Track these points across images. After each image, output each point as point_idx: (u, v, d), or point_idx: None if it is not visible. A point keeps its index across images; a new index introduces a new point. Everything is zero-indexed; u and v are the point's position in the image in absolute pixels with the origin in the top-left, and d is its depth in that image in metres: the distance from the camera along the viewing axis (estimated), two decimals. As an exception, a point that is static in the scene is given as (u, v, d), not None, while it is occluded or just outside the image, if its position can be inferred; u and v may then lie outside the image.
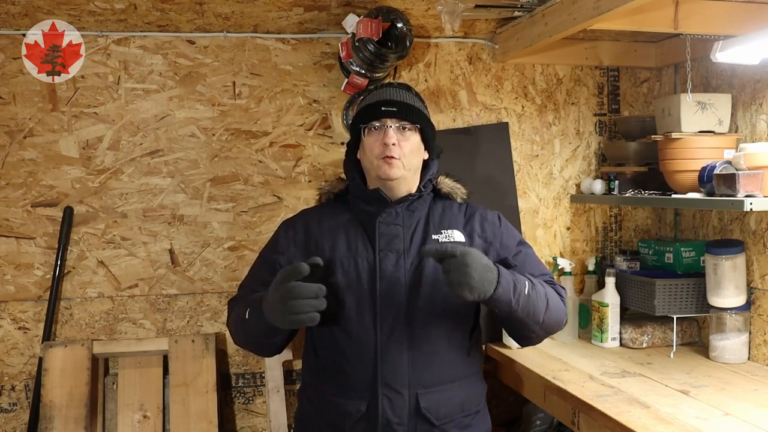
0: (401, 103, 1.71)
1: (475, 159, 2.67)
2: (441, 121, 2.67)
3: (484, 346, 2.60)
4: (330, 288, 1.67)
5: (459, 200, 1.83)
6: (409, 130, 1.71)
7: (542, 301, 1.65)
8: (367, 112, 1.73)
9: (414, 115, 1.71)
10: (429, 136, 1.76)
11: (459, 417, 1.71)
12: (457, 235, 1.74)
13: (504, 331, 2.54)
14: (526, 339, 1.75)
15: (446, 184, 1.84)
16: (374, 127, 1.71)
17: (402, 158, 1.69)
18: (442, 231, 1.74)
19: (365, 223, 1.73)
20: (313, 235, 1.75)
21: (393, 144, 1.68)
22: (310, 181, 2.58)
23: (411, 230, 1.73)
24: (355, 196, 1.79)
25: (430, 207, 1.79)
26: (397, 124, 1.70)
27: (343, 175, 1.89)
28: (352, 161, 1.81)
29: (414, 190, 1.76)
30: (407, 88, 1.81)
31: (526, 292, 1.60)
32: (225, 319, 2.54)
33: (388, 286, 1.66)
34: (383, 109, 1.70)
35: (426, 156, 1.79)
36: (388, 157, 1.68)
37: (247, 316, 1.63)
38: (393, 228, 1.71)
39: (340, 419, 1.68)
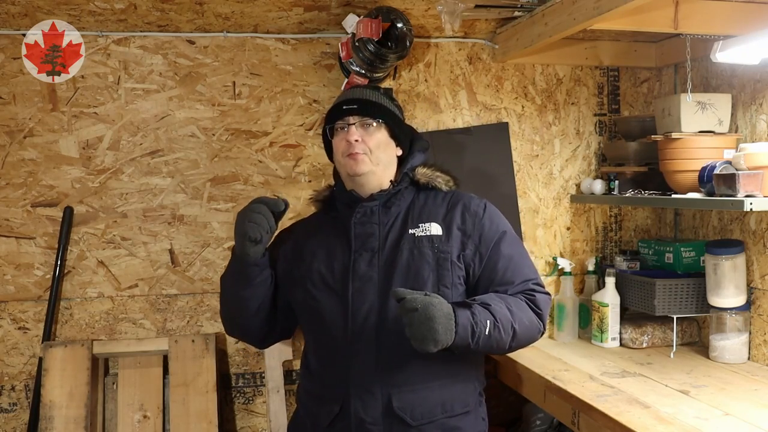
0: (362, 101, 1.73)
1: (475, 159, 2.67)
2: (441, 121, 2.67)
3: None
4: (306, 292, 1.73)
5: (445, 188, 1.81)
6: (373, 125, 1.72)
7: (507, 333, 1.60)
8: (331, 114, 1.77)
9: (375, 111, 1.73)
10: (397, 131, 1.77)
11: (441, 418, 1.67)
12: (435, 228, 1.71)
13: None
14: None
15: (423, 174, 1.80)
16: (339, 128, 1.74)
17: (368, 153, 1.71)
18: (420, 225, 1.72)
19: (345, 224, 1.75)
20: (299, 247, 1.80)
21: (356, 140, 1.69)
22: (310, 181, 2.58)
23: (387, 227, 1.73)
24: (338, 200, 1.83)
25: (413, 200, 1.78)
26: (359, 121, 1.72)
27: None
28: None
29: (385, 185, 1.75)
30: (375, 87, 1.85)
31: (486, 332, 1.55)
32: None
33: (360, 286, 1.67)
34: (344, 108, 1.73)
35: (399, 152, 1.80)
36: (352, 153, 1.70)
37: (228, 270, 1.76)
38: (368, 227, 1.72)
39: (320, 418, 1.70)
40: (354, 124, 1.71)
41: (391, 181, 1.77)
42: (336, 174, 1.84)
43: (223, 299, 1.82)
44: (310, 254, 1.76)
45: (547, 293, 1.75)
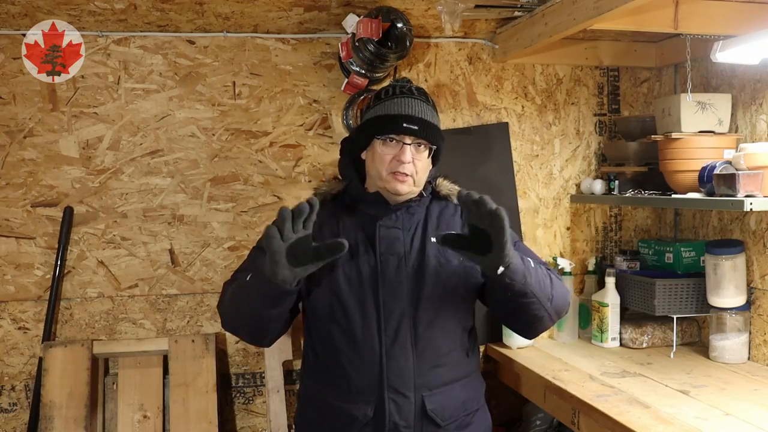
0: (422, 121, 1.67)
1: (475, 159, 2.67)
2: (441, 121, 2.65)
3: (483, 347, 2.60)
4: (333, 294, 1.68)
5: (455, 202, 1.81)
6: (424, 148, 1.69)
7: (546, 277, 1.64)
8: (386, 124, 1.67)
9: (433, 135, 1.69)
10: (440, 152, 1.74)
11: (461, 416, 1.71)
12: None
13: (504, 331, 2.55)
14: (539, 321, 1.65)
15: (444, 186, 1.82)
16: (390, 139, 1.67)
17: (414, 175, 1.67)
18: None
19: (365, 226, 1.72)
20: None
21: (408, 162, 1.65)
22: (310, 181, 2.58)
23: (411, 233, 1.72)
24: (354, 198, 1.76)
25: (428, 209, 1.78)
26: (415, 142, 1.67)
27: (338, 175, 1.87)
28: (349, 159, 1.78)
29: (415, 196, 1.75)
30: (426, 98, 1.75)
31: (533, 265, 1.60)
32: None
33: (390, 290, 1.66)
34: (405, 125, 1.65)
35: (430, 167, 1.77)
36: (400, 173, 1.66)
37: (248, 279, 1.58)
38: (393, 231, 1.70)
39: (346, 423, 1.66)
40: (410, 144, 1.66)
41: (420, 192, 1.76)
42: (347, 168, 1.78)
43: (238, 310, 1.66)
44: None
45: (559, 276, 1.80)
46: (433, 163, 1.78)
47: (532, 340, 2.54)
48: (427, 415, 1.65)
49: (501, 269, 1.49)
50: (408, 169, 1.66)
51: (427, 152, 1.70)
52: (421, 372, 1.65)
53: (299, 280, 1.52)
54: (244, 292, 1.61)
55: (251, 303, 1.59)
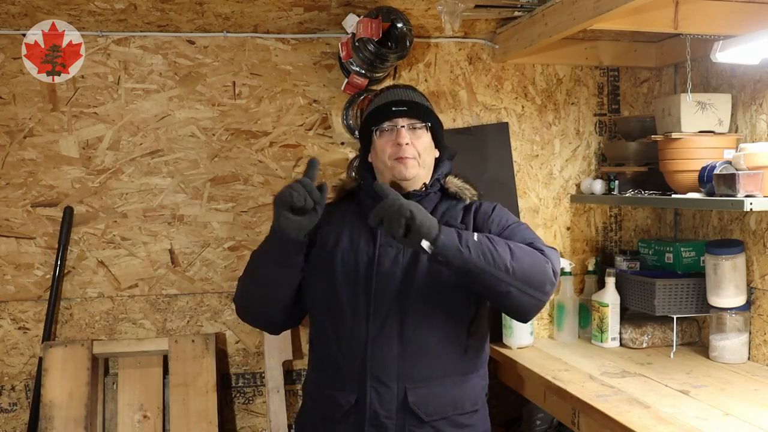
0: (410, 102, 1.74)
1: (475, 159, 2.67)
2: (441, 121, 2.66)
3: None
4: (328, 281, 1.71)
5: (468, 201, 1.82)
6: (420, 128, 1.73)
7: (503, 249, 1.57)
8: (378, 114, 1.75)
9: (424, 114, 1.74)
10: (439, 134, 1.79)
11: (452, 415, 1.70)
12: None
13: (504, 331, 2.54)
14: (507, 297, 1.58)
15: (454, 183, 1.83)
16: (385, 129, 1.73)
17: (416, 157, 1.72)
18: None
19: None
20: (320, 228, 1.76)
21: (406, 144, 1.70)
22: (310, 181, 2.58)
23: None
24: (365, 193, 1.81)
25: (436, 206, 1.79)
26: (408, 123, 1.72)
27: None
28: (364, 164, 1.83)
29: (419, 186, 1.77)
30: (413, 88, 1.84)
31: (475, 239, 1.55)
32: (225, 319, 2.56)
33: (383, 280, 1.68)
34: (393, 109, 1.72)
35: (437, 154, 1.81)
36: (402, 157, 1.70)
37: (262, 246, 1.70)
38: None
39: (332, 410, 1.70)
40: (404, 126, 1.72)
41: (423, 183, 1.79)
42: (364, 169, 1.82)
43: (246, 279, 1.75)
44: (333, 242, 1.74)
45: (554, 248, 1.73)
46: (440, 150, 1.81)
47: (532, 340, 2.54)
48: (409, 407, 1.65)
49: (425, 245, 1.50)
50: (409, 151, 1.70)
51: (425, 134, 1.74)
52: (405, 363, 1.66)
53: (305, 233, 1.62)
54: (256, 255, 1.72)
55: (263, 263, 1.70)
